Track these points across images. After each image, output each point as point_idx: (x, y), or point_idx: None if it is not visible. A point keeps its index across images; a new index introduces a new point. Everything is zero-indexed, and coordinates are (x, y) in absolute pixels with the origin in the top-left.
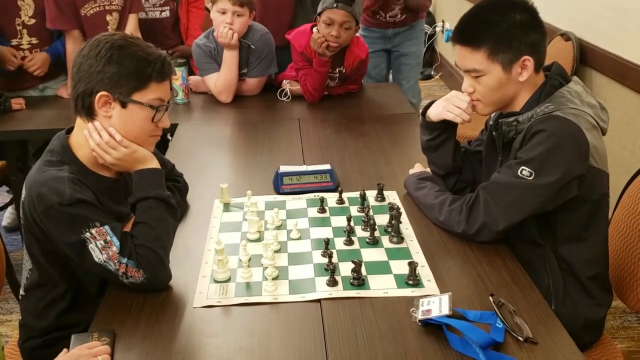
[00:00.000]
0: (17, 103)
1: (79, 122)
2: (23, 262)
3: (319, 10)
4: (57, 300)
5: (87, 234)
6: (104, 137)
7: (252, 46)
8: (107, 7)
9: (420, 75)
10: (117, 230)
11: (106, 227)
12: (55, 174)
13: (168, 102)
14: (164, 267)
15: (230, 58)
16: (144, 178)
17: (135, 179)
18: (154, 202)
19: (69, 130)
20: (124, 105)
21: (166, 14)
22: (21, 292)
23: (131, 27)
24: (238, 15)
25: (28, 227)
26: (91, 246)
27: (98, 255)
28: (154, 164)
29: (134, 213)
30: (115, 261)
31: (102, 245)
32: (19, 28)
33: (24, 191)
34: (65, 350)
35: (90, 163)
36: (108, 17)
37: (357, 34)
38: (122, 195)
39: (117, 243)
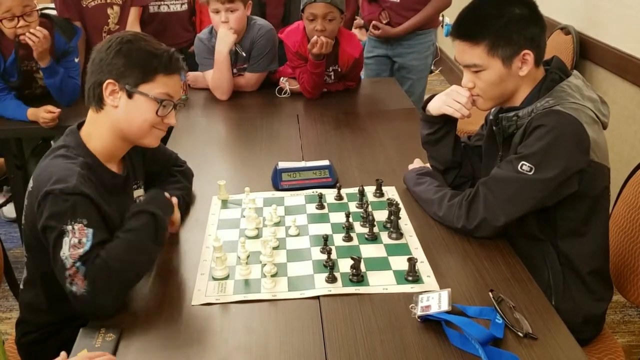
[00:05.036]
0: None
1: (91, 113)
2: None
3: (301, 7)
4: (54, 292)
5: (69, 226)
6: None
7: (243, 54)
8: (108, 1)
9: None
10: (97, 236)
11: (90, 229)
12: (68, 165)
13: (178, 101)
14: (110, 293)
15: (219, 54)
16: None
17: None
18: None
19: (79, 125)
20: (130, 95)
21: (184, 7)
22: (20, 286)
23: (131, 19)
24: (231, 11)
25: (31, 218)
26: (65, 239)
27: (64, 251)
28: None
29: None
30: (73, 260)
31: (74, 243)
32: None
33: (31, 183)
34: (63, 354)
35: (102, 156)
36: (109, 11)
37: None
38: (122, 189)
39: (88, 247)
